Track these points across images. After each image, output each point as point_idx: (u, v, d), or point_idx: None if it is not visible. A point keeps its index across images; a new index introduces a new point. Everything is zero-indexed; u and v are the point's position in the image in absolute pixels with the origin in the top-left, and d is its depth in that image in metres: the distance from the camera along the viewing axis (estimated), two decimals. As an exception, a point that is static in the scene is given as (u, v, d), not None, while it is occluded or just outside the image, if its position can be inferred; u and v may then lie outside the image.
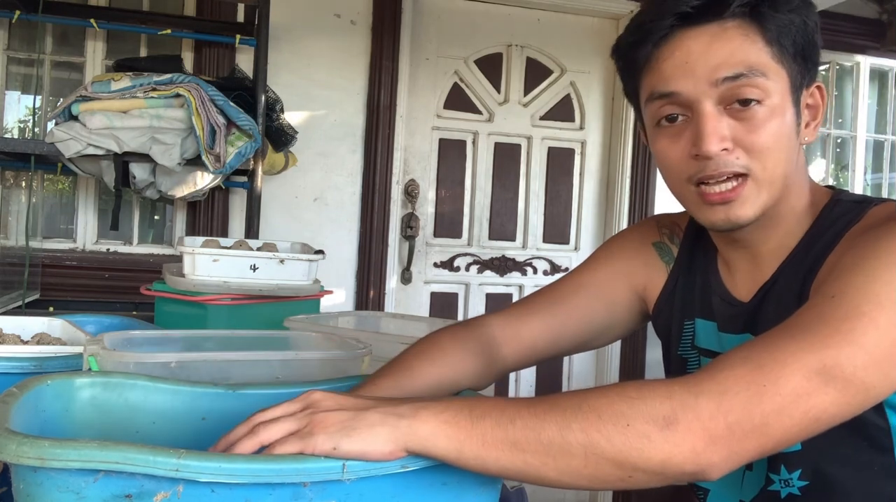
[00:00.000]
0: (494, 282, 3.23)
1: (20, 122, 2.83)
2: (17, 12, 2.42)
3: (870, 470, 0.77)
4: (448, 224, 3.18)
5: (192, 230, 2.78)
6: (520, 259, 3.25)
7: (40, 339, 1.17)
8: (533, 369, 3.20)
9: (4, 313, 1.88)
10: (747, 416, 0.60)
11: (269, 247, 1.66)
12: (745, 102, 0.75)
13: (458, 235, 3.20)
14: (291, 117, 2.70)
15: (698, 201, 0.80)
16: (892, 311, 0.64)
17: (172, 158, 2.22)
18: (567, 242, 3.33)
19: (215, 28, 2.70)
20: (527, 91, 3.22)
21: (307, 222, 2.87)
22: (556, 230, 3.31)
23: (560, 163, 3.29)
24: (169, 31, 2.58)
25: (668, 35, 0.78)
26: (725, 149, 0.76)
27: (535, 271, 3.27)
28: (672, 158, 0.80)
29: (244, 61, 2.70)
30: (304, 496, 0.57)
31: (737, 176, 0.77)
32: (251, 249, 1.61)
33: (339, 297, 2.90)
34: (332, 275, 2.82)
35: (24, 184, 2.69)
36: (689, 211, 0.84)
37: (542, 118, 3.25)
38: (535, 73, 3.22)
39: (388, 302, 2.97)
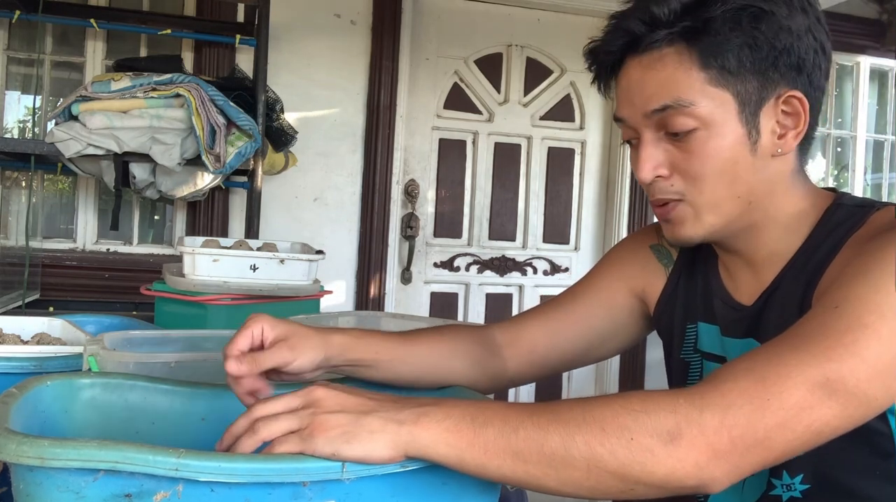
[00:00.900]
0: (494, 282, 3.23)
1: (20, 121, 2.83)
2: (17, 12, 2.42)
3: (872, 474, 0.77)
4: (448, 224, 3.18)
5: (192, 230, 2.78)
6: (520, 259, 3.26)
7: (40, 339, 1.17)
8: (533, 369, 3.19)
9: (4, 313, 1.88)
10: (751, 431, 0.60)
11: (269, 247, 1.66)
12: (676, 133, 0.77)
13: (458, 235, 3.20)
14: (291, 117, 2.70)
15: (658, 217, 0.85)
16: (895, 322, 0.64)
17: (172, 158, 2.22)
18: (567, 242, 3.33)
19: (215, 28, 2.70)
20: (527, 91, 3.22)
21: (307, 222, 2.87)
22: (556, 230, 3.31)
23: (560, 163, 3.30)
24: (169, 31, 2.58)
25: (615, 64, 0.81)
26: (660, 176, 0.79)
27: (535, 271, 3.27)
28: (637, 176, 0.84)
29: (244, 61, 2.70)
30: (303, 495, 0.57)
31: (671, 202, 0.80)
32: (251, 249, 1.61)
33: (339, 297, 2.90)
34: (332, 275, 2.82)
35: (24, 184, 2.69)
36: None
37: (542, 118, 3.25)
38: (535, 73, 3.23)
39: (388, 302, 2.97)
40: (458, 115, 3.15)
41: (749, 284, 0.86)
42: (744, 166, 0.78)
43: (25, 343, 1.16)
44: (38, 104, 2.76)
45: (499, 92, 3.20)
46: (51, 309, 2.48)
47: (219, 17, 2.74)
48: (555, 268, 3.29)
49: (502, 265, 3.23)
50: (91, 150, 2.20)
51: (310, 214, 2.88)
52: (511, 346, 0.96)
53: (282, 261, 1.55)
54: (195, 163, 2.27)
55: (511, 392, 3.23)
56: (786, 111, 0.78)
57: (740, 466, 0.61)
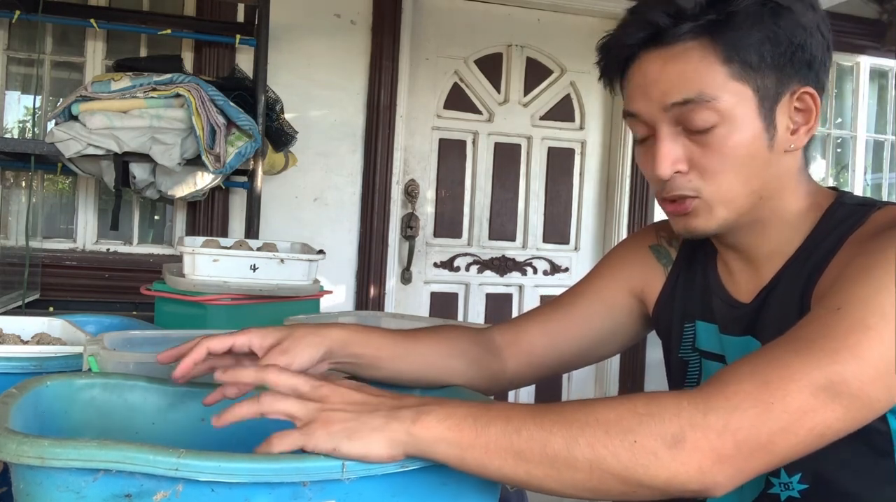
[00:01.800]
0: (494, 282, 3.23)
1: (20, 122, 2.84)
2: (17, 12, 2.43)
3: (870, 473, 0.77)
4: (448, 224, 3.18)
5: (192, 230, 2.78)
6: (520, 259, 3.26)
7: (40, 339, 1.17)
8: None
9: (4, 313, 1.88)
10: (754, 435, 0.60)
11: (269, 247, 1.66)
12: (696, 129, 0.76)
13: (458, 235, 3.20)
14: (291, 117, 2.70)
15: (666, 211, 0.84)
16: None
17: (172, 158, 2.22)
18: (567, 242, 3.33)
19: (215, 28, 2.70)
20: (527, 91, 3.22)
21: (307, 222, 2.87)
22: (556, 230, 3.31)
23: (560, 163, 3.30)
24: (169, 31, 2.58)
25: (630, 58, 0.80)
26: (679, 172, 0.78)
27: (535, 271, 3.27)
28: (646, 173, 0.83)
29: (244, 61, 2.70)
30: (303, 495, 0.57)
31: (688, 198, 0.80)
32: (251, 249, 1.61)
33: (339, 297, 2.90)
34: (332, 275, 2.83)
35: (24, 184, 2.69)
36: None
37: (542, 118, 3.25)
38: (535, 73, 3.23)
39: (388, 302, 2.97)
40: (458, 115, 3.15)
41: (748, 282, 0.86)
42: (760, 162, 0.78)
43: (25, 343, 1.16)
44: (38, 104, 2.76)
45: (499, 92, 3.20)
46: (51, 309, 2.48)
47: (219, 17, 2.74)
48: (555, 268, 3.29)
49: (502, 265, 3.23)
50: (91, 150, 2.20)
51: (310, 214, 2.88)
52: (510, 348, 0.96)
53: (282, 261, 1.55)
54: (195, 163, 2.28)
55: (511, 391, 3.24)
56: (798, 107, 0.79)
57: (744, 470, 0.61)
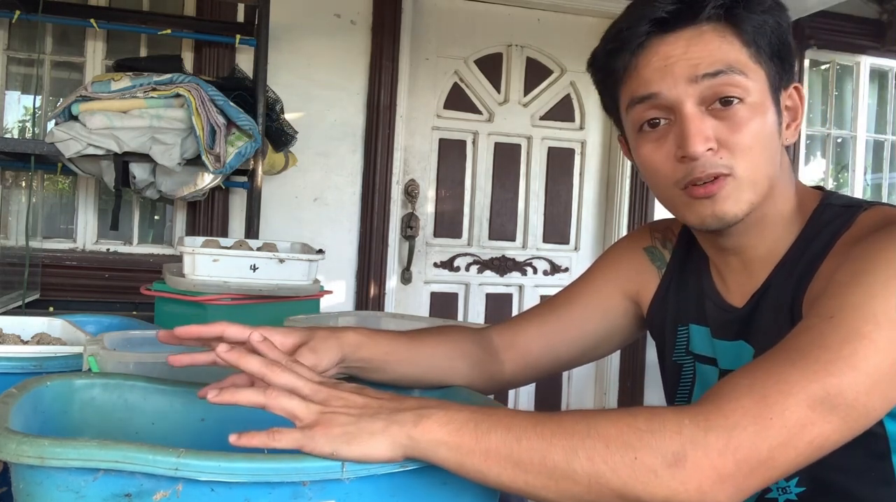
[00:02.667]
0: (494, 282, 3.23)
1: (20, 122, 2.84)
2: (17, 12, 2.42)
3: (867, 476, 0.77)
4: (448, 224, 3.18)
5: (192, 230, 2.78)
6: (520, 259, 3.26)
7: (40, 339, 1.17)
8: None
9: (4, 313, 1.88)
10: (755, 452, 0.60)
11: (269, 247, 1.66)
12: (727, 101, 0.75)
13: (458, 235, 3.20)
14: (291, 117, 2.70)
15: (687, 201, 0.79)
16: (890, 330, 0.64)
17: (172, 158, 2.22)
18: (567, 242, 3.33)
19: (215, 28, 2.70)
20: (527, 91, 3.22)
21: (307, 222, 2.87)
22: (556, 230, 3.31)
23: (560, 163, 3.30)
24: (169, 31, 2.58)
25: (644, 42, 0.78)
26: (710, 150, 0.75)
27: (535, 271, 3.27)
28: (657, 163, 0.79)
29: (244, 61, 2.70)
30: (303, 495, 0.57)
31: (720, 175, 0.77)
32: (251, 249, 1.61)
33: (339, 297, 2.90)
34: (332, 275, 2.83)
35: (24, 184, 2.69)
36: (676, 214, 0.83)
37: (542, 118, 3.25)
38: (535, 73, 3.23)
39: (388, 302, 2.97)
40: (458, 115, 3.15)
41: (740, 286, 0.86)
42: (776, 147, 0.78)
43: (25, 343, 1.16)
44: (38, 104, 2.76)
45: (499, 92, 3.20)
46: (51, 309, 2.48)
47: (219, 17, 2.74)
48: (555, 268, 3.29)
49: (502, 265, 3.23)
50: (91, 150, 2.20)
51: (310, 214, 2.88)
52: (508, 350, 0.96)
53: (282, 260, 1.55)
54: (195, 163, 2.28)
55: (511, 391, 3.24)
56: (788, 104, 0.80)
57: (744, 488, 0.60)
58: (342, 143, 2.91)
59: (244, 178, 2.58)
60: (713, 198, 0.77)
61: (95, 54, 2.76)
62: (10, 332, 1.20)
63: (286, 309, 1.51)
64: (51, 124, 2.31)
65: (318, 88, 2.86)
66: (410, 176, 3.09)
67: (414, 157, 3.10)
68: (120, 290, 2.63)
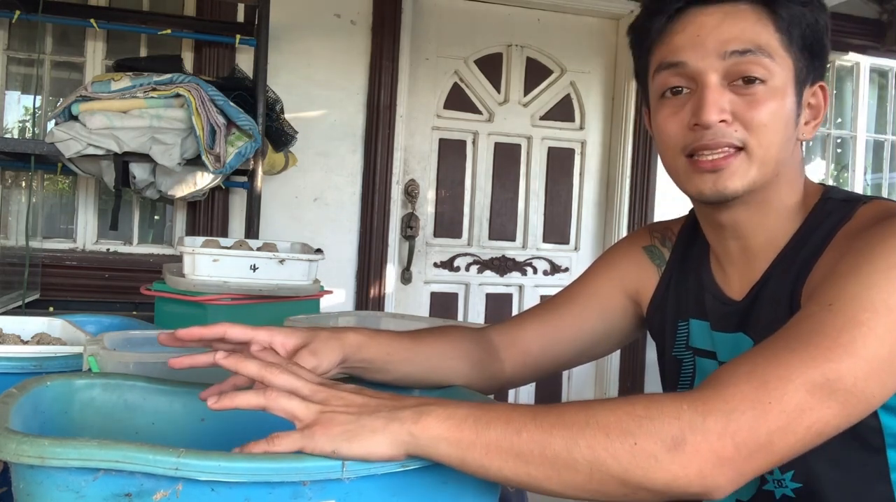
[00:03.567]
0: (494, 282, 3.23)
1: (20, 121, 2.84)
2: (17, 12, 2.43)
3: (861, 470, 0.78)
4: (448, 224, 3.18)
5: (192, 230, 2.78)
6: (520, 259, 3.26)
7: (40, 339, 1.17)
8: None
9: (4, 313, 1.88)
10: (754, 436, 0.60)
11: (269, 247, 1.66)
12: (749, 80, 0.77)
13: (458, 235, 3.20)
14: (291, 117, 2.70)
15: (689, 171, 0.80)
16: (889, 318, 0.65)
17: (172, 158, 2.22)
18: (567, 242, 3.33)
19: (215, 28, 2.70)
20: (527, 91, 3.22)
21: (307, 222, 2.88)
22: (556, 230, 3.31)
23: (560, 163, 3.30)
24: (169, 31, 2.58)
25: (682, 9, 0.80)
26: (724, 121, 0.77)
27: (535, 271, 3.27)
28: (670, 129, 0.81)
29: (244, 61, 2.70)
30: (303, 495, 0.57)
31: (731, 147, 0.78)
32: (251, 249, 1.61)
33: (339, 297, 2.90)
34: (332, 275, 2.82)
35: (24, 184, 2.69)
36: (678, 183, 0.84)
37: (542, 118, 3.25)
38: (535, 73, 3.23)
39: (388, 302, 2.97)
40: (458, 114, 3.15)
41: (739, 278, 0.87)
42: (789, 135, 0.79)
43: (25, 343, 1.16)
44: (38, 104, 2.76)
45: (499, 92, 3.20)
46: (51, 309, 2.48)
47: (219, 17, 2.74)
48: (555, 268, 3.30)
49: (502, 265, 3.23)
50: (91, 150, 2.20)
51: (310, 214, 2.88)
52: (508, 349, 0.97)
53: (282, 260, 1.55)
54: (195, 163, 2.28)
55: (511, 390, 3.24)
56: (811, 102, 0.82)
57: (744, 472, 0.61)
58: (342, 143, 2.91)
59: (244, 178, 2.58)
60: (718, 173, 0.78)
61: (95, 54, 2.76)
62: (10, 332, 1.20)
63: (286, 309, 1.51)
64: (51, 124, 2.31)
65: (318, 88, 2.86)
66: (410, 176, 3.09)
67: (414, 157, 3.10)
68: (120, 290, 2.63)
